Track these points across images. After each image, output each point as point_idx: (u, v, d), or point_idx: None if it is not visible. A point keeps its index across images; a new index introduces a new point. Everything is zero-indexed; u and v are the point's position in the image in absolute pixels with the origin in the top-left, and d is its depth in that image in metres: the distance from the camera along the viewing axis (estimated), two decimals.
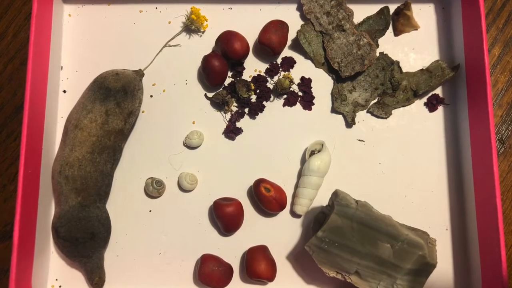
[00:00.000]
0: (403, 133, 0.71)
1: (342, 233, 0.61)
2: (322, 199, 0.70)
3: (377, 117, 0.72)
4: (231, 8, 0.75)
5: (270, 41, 0.70)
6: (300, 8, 0.75)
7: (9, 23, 0.75)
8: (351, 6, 0.73)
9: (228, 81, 0.73)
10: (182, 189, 0.70)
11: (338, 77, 0.73)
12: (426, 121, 0.72)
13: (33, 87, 0.65)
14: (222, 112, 0.72)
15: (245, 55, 0.71)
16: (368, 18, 0.73)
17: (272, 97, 0.73)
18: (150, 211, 0.70)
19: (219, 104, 0.72)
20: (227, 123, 0.72)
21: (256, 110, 0.72)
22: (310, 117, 0.72)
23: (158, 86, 0.73)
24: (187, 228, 0.70)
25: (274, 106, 0.72)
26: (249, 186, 0.71)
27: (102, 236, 0.66)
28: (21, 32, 0.76)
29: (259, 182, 0.68)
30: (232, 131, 0.71)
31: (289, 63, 0.73)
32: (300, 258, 0.69)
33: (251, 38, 0.73)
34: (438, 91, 0.73)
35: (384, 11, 0.73)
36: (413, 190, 0.70)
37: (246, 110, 0.72)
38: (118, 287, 0.68)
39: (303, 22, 0.74)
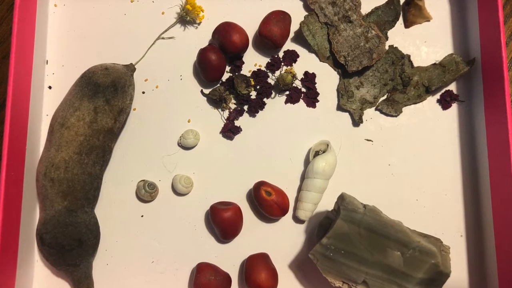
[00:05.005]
0: (414, 132, 0.71)
1: (349, 240, 0.61)
2: (327, 204, 0.70)
3: (387, 115, 0.72)
4: None
5: (271, 33, 0.70)
6: None
7: None
8: None
9: (226, 76, 0.73)
10: (176, 192, 0.70)
11: (344, 72, 0.73)
12: (439, 120, 0.72)
13: (16, 83, 0.65)
14: (220, 110, 0.72)
15: (244, 48, 0.71)
16: (376, 8, 0.73)
17: (274, 93, 0.73)
18: (142, 216, 0.70)
19: (216, 101, 0.72)
20: (225, 121, 0.72)
21: (256, 107, 0.72)
22: (314, 115, 0.72)
23: (150, 81, 0.73)
24: (182, 234, 0.70)
25: (275, 103, 0.72)
26: (248, 189, 0.71)
27: (91, 243, 0.66)
28: (3, 24, 0.76)
29: (259, 185, 0.68)
30: (230, 130, 0.71)
31: (291, 57, 0.73)
32: (304, 267, 0.69)
33: (251, 30, 0.73)
34: (452, 87, 0.73)
35: (394, 1, 0.73)
36: (425, 194, 0.70)
37: (246, 107, 0.72)
38: None
39: (306, 13, 0.74)
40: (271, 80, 0.73)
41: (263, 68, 0.73)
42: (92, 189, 0.67)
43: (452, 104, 0.72)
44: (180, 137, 0.71)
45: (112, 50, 0.73)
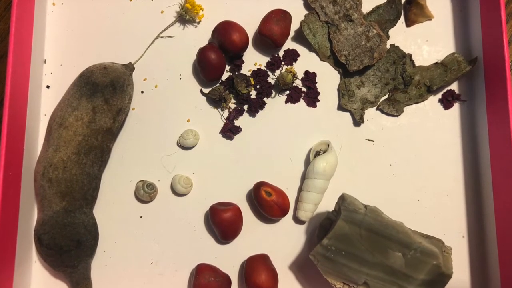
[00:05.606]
0: (415, 132, 0.71)
1: (350, 241, 0.61)
2: (327, 204, 0.70)
3: (388, 114, 0.72)
4: None
5: (272, 32, 0.70)
6: None
7: None
8: None
9: (225, 75, 0.73)
10: (175, 193, 0.70)
11: (345, 72, 0.72)
12: (441, 119, 0.72)
13: (13, 82, 0.65)
14: (219, 110, 0.72)
15: (244, 47, 0.71)
16: (377, 7, 0.73)
17: (274, 93, 0.72)
18: (141, 217, 0.70)
19: (216, 100, 0.72)
20: (225, 121, 0.72)
21: (256, 107, 0.72)
22: (315, 114, 0.72)
23: (149, 81, 0.73)
24: (181, 235, 0.69)
25: (275, 103, 0.72)
26: (248, 190, 0.71)
27: (89, 244, 0.66)
28: (1, 22, 0.75)
29: (260, 186, 0.67)
30: (230, 130, 0.71)
31: (292, 56, 0.73)
32: (304, 268, 0.69)
33: (251, 29, 0.73)
34: (454, 86, 0.72)
35: (395, 0, 0.73)
36: (426, 194, 0.70)
37: (245, 107, 0.72)
38: None
39: (307, 12, 0.74)
40: (271, 79, 0.73)
41: (263, 68, 0.73)
42: (91, 190, 0.67)
43: (454, 104, 0.72)
44: (180, 137, 0.71)
45: (110, 49, 0.73)
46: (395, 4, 0.73)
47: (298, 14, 0.74)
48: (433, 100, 0.72)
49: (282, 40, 0.71)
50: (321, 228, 0.66)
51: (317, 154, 0.69)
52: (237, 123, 0.72)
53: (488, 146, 0.68)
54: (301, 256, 0.69)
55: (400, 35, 0.74)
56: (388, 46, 0.72)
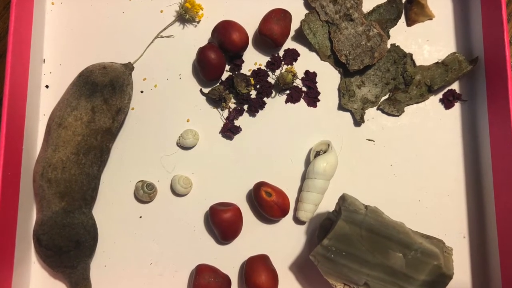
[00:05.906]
0: (416, 132, 0.71)
1: (350, 241, 0.61)
2: (328, 204, 0.70)
3: (388, 114, 0.72)
4: None
5: (272, 32, 0.70)
6: None
7: None
8: None
9: (225, 75, 0.73)
10: (175, 193, 0.70)
11: (345, 71, 0.72)
12: (442, 119, 0.72)
13: (12, 82, 0.65)
14: (219, 109, 0.72)
15: (244, 47, 0.71)
16: (378, 6, 0.73)
17: (274, 93, 0.72)
18: (141, 217, 0.70)
19: (215, 100, 0.72)
20: (225, 121, 0.72)
21: (256, 107, 0.71)
22: (315, 114, 0.72)
23: (149, 81, 0.73)
24: (181, 235, 0.69)
25: (275, 103, 0.72)
26: (248, 190, 0.70)
27: (88, 244, 0.66)
28: (0, 22, 0.75)
29: (260, 186, 0.67)
30: (230, 130, 0.71)
31: (292, 55, 0.73)
32: (304, 269, 0.69)
33: (251, 29, 0.73)
34: (455, 86, 0.72)
35: None
36: (427, 194, 0.70)
37: (245, 107, 0.72)
38: None
39: (307, 11, 0.74)
40: (271, 79, 0.73)
41: (263, 67, 0.73)
42: (90, 190, 0.67)
43: (455, 104, 0.72)
44: (179, 137, 0.71)
45: (110, 49, 0.73)
46: (396, 3, 0.73)
47: (298, 13, 0.74)
48: (434, 100, 0.72)
49: (282, 39, 0.71)
50: (322, 229, 0.66)
51: (317, 154, 0.69)
52: (237, 123, 0.72)
53: (489, 146, 0.68)
54: (301, 257, 0.69)
55: (401, 35, 0.74)
56: (388, 46, 0.72)
